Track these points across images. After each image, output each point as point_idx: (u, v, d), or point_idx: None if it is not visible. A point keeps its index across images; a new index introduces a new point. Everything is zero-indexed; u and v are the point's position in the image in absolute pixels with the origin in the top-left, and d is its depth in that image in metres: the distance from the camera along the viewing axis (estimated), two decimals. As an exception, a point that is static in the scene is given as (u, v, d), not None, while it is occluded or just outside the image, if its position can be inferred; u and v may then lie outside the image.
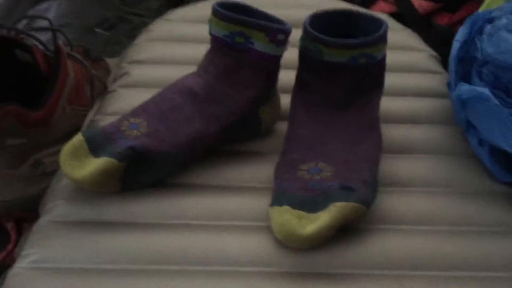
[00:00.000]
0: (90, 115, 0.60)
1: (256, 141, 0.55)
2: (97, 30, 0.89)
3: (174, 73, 0.64)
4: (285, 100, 0.56)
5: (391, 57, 0.62)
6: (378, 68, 0.52)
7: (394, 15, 0.90)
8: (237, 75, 0.50)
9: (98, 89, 0.67)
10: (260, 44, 0.49)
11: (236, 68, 0.50)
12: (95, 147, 0.47)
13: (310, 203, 0.44)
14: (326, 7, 0.80)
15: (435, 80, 0.66)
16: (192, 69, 0.55)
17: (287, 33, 0.50)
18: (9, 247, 0.52)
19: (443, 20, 0.87)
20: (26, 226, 0.54)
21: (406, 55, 0.70)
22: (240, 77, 0.50)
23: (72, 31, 0.84)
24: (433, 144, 0.56)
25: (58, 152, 0.48)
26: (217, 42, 0.51)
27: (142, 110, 0.51)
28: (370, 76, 0.52)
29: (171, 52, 0.69)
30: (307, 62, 0.52)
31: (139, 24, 0.91)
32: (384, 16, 0.78)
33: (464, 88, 0.51)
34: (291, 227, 0.42)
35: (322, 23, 0.53)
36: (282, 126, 0.55)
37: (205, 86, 0.51)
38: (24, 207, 0.54)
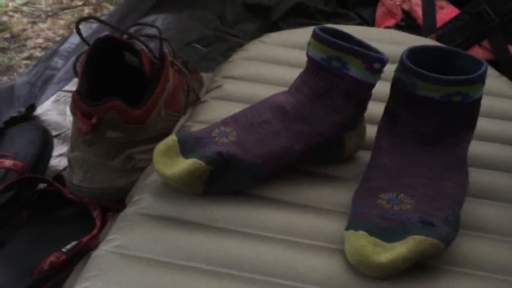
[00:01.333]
0: (182, 121, 0.64)
1: (338, 165, 0.56)
2: (196, 45, 0.94)
3: (264, 92, 0.66)
4: (371, 131, 0.56)
5: (485, 102, 0.60)
6: (472, 108, 0.51)
7: (489, 63, 0.88)
8: (329, 98, 0.51)
9: (191, 99, 0.71)
10: (356, 70, 0.50)
11: (329, 91, 0.51)
12: (186, 149, 0.49)
13: (388, 233, 0.43)
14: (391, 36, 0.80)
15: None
16: (282, 90, 0.57)
17: (384, 62, 0.51)
18: (94, 232, 0.56)
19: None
20: (111, 215, 0.58)
21: (500, 102, 0.68)
22: (331, 100, 0.51)
23: (173, 44, 0.89)
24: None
25: (150, 150, 0.51)
26: (313, 64, 0.52)
27: (232, 120, 0.54)
28: (463, 116, 0.51)
29: (264, 72, 0.71)
30: (399, 94, 0.52)
31: (235, 44, 0.95)
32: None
33: None
34: (366, 253, 0.42)
35: (419, 58, 0.54)
36: (365, 155, 0.56)
37: (295, 105, 0.52)
38: (112, 197, 0.57)
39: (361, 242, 0.42)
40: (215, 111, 0.63)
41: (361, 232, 0.43)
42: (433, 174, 0.49)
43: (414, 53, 0.53)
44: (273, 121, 0.52)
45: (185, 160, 0.48)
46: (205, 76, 0.86)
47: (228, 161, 0.48)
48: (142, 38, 0.62)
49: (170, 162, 0.48)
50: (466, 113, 0.51)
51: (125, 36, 0.62)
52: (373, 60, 0.50)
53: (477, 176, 0.55)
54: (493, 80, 0.74)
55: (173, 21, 1.02)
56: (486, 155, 0.59)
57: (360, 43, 0.54)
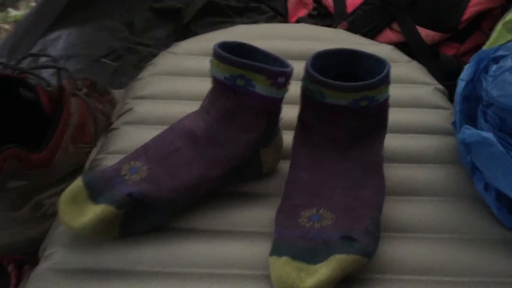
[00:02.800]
0: (93, 154, 0.60)
1: (258, 182, 0.55)
2: (105, 60, 0.90)
3: (178, 109, 0.64)
4: (289, 138, 0.55)
5: (397, 92, 0.61)
6: (380, 110, 0.51)
7: (401, 45, 0.90)
8: (238, 118, 0.50)
9: (102, 124, 0.67)
10: (261, 87, 0.49)
11: (237, 111, 0.50)
12: (94, 193, 0.47)
13: (311, 254, 0.43)
14: (331, 38, 0.80)
15: (442, 116, 0.65)
16: (196, 105, 0.55)
17: (288, 76, 0.50)
18: (9, 290, 0.52)
19: (450, 51, 0.86)
20: (27, 268, 0.54)
21: (411, 90, 0.69)
22: (241, 120, 0.50)
23: (80, 62, 0.84)
24: (438, 186, 0.55)
25: (60, 193, 0.48)
26: (218, 85, 0.51)
27: (142, 152, 0.51)
28: (373, 118, 0.51)
29: (176, 87, 0.69)
30: (309, 103, 0.52)
31: (147, 55, 0.92)
32: (388, 48, 0.78)
33: (469, 132, 0.50)
34: (290, 280, 0.41)
35: (325, 63, 0.53)
36: (285, 166, 0.55)
37: (206, 129, 0.50)
38: (25, 250, 0.54)
39: (285, 269, 0.42)
40: (127, 139, 0.60)
41: (284, 258, 0.43)
42: (351, 183, 0.49)
43: (319, 59, 0.53)
44: (185, 149, 0.50)
45: (94, 206, 0.45)
46: (118, 94, 0.82)
47: (140, 202, 0.46)
48: (35, 71, 0.57)
49: (78, 211, 0.45)
50: (375, 115, 0.51)
51: (17, 72, 0.58)
52: (277, 75, 0.49)
53: (395, 173, 0.56)
54: (403, 66, 0.75)
55: (78, 35, 0.96)
56: (401, 148, 0.60)
57: (265, 55, 0.52)
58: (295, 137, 0.53)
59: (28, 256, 0.54)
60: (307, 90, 0.51)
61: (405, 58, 0.76)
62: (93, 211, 0.45)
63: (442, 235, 0.49)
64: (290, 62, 0.52)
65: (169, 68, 0.73)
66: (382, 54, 0.75)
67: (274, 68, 0.49)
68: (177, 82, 0.70)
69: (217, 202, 0.52)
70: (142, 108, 0.65)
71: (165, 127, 0.62)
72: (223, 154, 0.50)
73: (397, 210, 0.52)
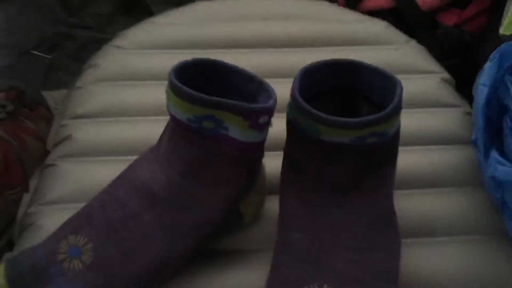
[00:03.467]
0: (24, 206, 0.47)
1: (238, 236, 0.43)
2: (35, 53, 0.73)
3: (130, 132, 0.51)
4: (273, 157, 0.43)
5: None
6: (391, 142, 0.40)
7: (392, 12, 0.77)
8: (208, 171, 0.38)
9: (36, 153, 0.54)
10: (236, 130, 0.37)
11: (206, 161, 0.37)
12: (22, 293, 0.35)
13: None
14: (311, 16, 0.67)
15: (453, 118, 0.54)
16: (154, 124, 0.44)
17: (271, 111, 0.37)
18: None
19: (451, 19, 0.73)
20: None
21: (413, 82, 0.57)
22: (212, 173, 0.38)
23: (4, 56, 0.68)
24: (458, 221, 0.45)
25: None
26: (179, 126, 0.38)
27: (85, 218, 0.39)
28: (381, 154, 0.40)
29: (125, 99, 0.55)
30: (299, 138, 0.40)
31: (87, 41, 0.75)
32: (382, 25, 0.65)
33: (503, 170, 0.39)
34: None
35: (316, 77, 0.41)
36: (272, 205, 0.44)
37: (167, 186, 0.38)
38: None
39: None
40: (66, 182, 0.47)
41: None
42: (358, 243, 0.38)
43: (308, 75, 0.40)
44: (141, 213, 0.38)
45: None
46: (56, 97, 0.68)
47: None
48: None
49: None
50: (384, 151, 0.40)
51: None
52: (258, 114, 0.36)
53: (406, 205, 0.46)
54: (401, 49, 0.62)
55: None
56: (410, 168, 0.49)
57: (240, 75, 0.39)
58: (283, 180, 0.41)
59: None
60: (295, 123, 0.39)
61: (402, 37, 0.64)
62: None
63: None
64: (272, 79, 0.39)
65: (115, 70, 0.59)
66: (375, 33, 0.64)
67: (252, 106, 0.36)
68: (128, 92, 0.56)
69: (189, 266, 0.40)
70: (84, 135, 0.51)
71: (114, 159, 0.49)
72: (191, 220, 0.38)
73: (411, 257, 0.42)
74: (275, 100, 0.38)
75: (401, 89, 0.39)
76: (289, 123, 0.40)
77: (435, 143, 0.52)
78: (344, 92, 0.43)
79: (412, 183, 0.48)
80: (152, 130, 0.48)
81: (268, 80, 0.39)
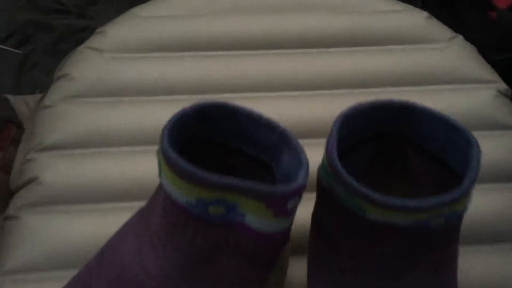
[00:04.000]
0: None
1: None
2: (5, 48, 0.61)
3: (110, 170, 0.41)
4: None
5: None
6: (460, 222, 0.29)
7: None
8: (215, 267, 0.27)
9: (2, 194, 0.43)
10: (256, 218, 0.26)
11: (212, 256, 0.27)
12: None
13: None
14: (329, 5, 0.54)
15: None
16: (139, 159, 0.37)
17: (302, 190, 0.26)
18: None
19: (504, 1, 0.60)
20: None
21: (462, 96, 0.46)
22: (219, 272, 0.27)
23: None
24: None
25: None
26: (176, 209, 0.27)
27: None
28: (446, 234, 0.29)
29: (106, 122, 0.44)
30: (334, 210, 0.29)
31: (65, 32, 0.63)
32: (422, 17, 0.52)
33: None
34: None
35: (359, 125, 0.31)
36: (294, 271, 0.34)
37: (161, 281, 0.28)
38: None
39: None
40: (29, 243, 0.37)
41: None
42: None
43: (349, 122, 0.30)
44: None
45: None
46: (30, 102, 0.57)
47: None
48: None
49: None
50: (452, 230, 0.29)
51: None
52: (285, 199, 0.25)
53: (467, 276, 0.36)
54: (447, 49, 0.50)
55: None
56: (469, 218, 0.38)
57: (255, 122, 0.28)
58: (312, 254, 0.31)
59: None
60: (330, 191, 0.28)
61: (447, 33, 0.51)
62: None
63: None
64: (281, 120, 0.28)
65: (92, 83, 0.47)
66: (413, 26, 0.52)
67: (278, 190, 0.25)
68: (109, 112, 0.45)
69: None
70: (53, 175, 0.41)
71: (95, 207, 0.39)
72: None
73: None
74: (307, 167, 0.27)
75: (478, 147, 0.28)
76: (321, 186, 0.30)
77: (494, 181, 0.41)
78: (389, 137, 0.32)
79: (470, 239, 0.38)
80: (142, 166, 0.38)
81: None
